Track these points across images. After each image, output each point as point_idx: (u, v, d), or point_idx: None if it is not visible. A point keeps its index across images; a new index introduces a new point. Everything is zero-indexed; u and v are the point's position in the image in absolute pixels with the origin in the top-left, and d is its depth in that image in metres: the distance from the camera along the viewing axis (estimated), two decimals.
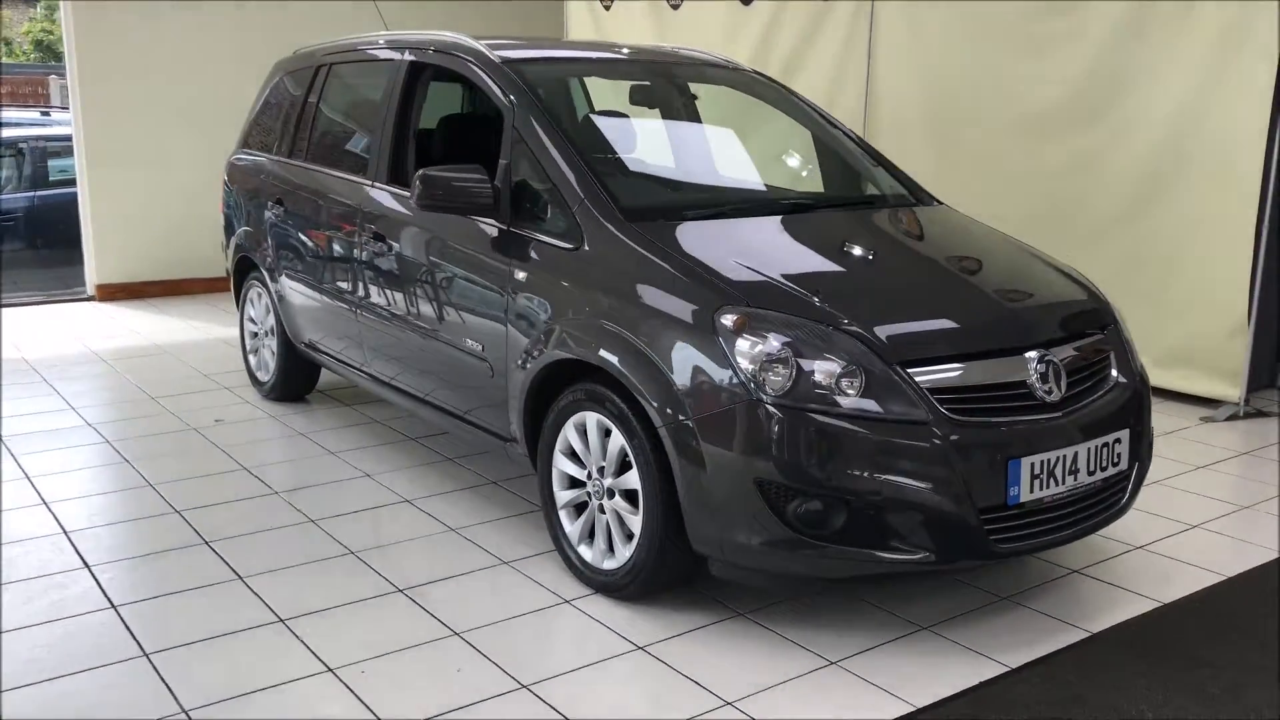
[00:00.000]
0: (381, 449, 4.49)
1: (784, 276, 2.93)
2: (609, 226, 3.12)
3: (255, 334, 5.28)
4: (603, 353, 2.95)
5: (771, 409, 2.63)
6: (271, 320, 5.04)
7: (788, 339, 2.68)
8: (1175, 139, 5.12)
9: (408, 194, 3.84)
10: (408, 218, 3.87)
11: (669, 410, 2.77)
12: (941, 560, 2.66)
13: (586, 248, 3.13)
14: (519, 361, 3.29)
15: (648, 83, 4.19)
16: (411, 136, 4.07)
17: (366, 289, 4.12)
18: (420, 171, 3.38)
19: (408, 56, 4.10)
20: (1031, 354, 2.85)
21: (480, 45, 3.81)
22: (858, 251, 3.35)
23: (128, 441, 4.59)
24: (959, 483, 2.62)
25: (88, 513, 3.78)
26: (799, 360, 2.66)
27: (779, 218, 3.51)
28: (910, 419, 2.62)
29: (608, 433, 3.02)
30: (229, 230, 5.42)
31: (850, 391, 2.63)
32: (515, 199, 3.39)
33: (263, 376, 5.24)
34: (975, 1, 5.82)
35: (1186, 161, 5.09)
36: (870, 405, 2.63)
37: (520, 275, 3.29)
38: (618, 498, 3.00)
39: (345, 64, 4.71)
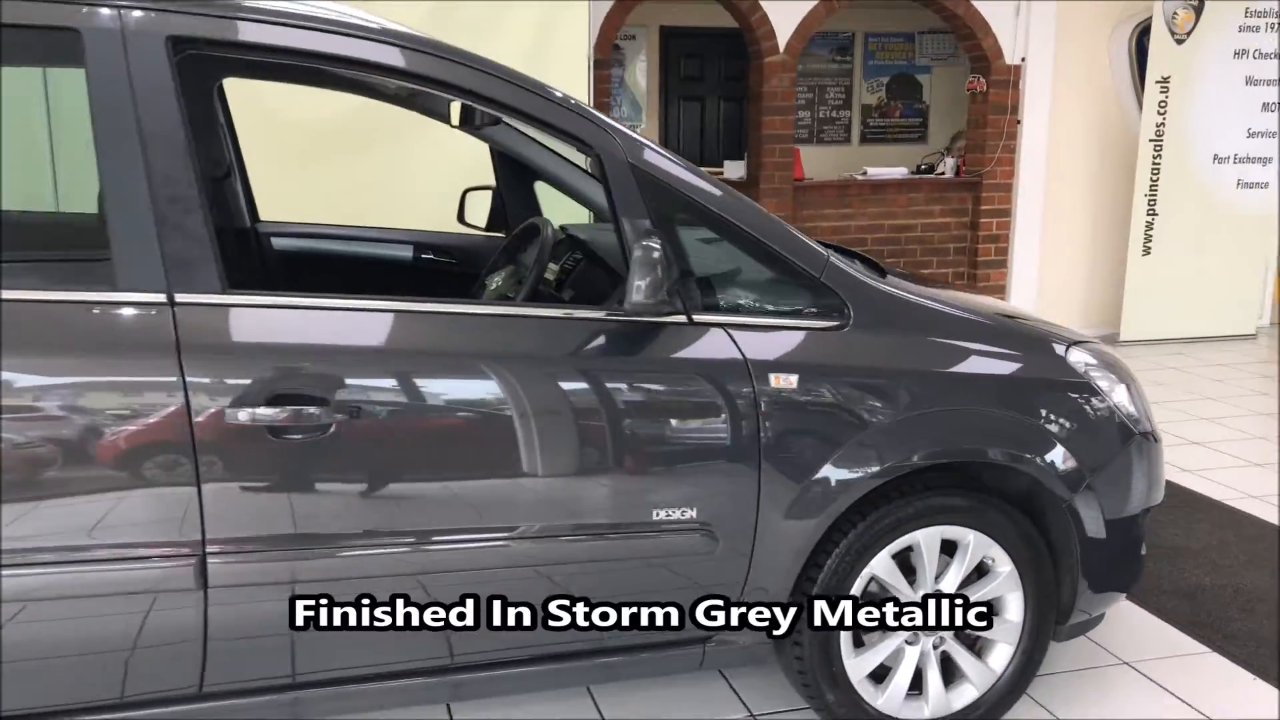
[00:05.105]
0: None
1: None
2: (876, 287, 2.41)
3: None
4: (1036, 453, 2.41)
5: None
6: None
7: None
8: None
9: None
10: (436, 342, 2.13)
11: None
12: None
13: (856, 322, 2.33)
14: (785, 509, 2.25)
15: None
16: None
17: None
18: (646, 248, 2.03)
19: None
20: None
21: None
22: None
23: None
24: None
25: None
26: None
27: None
28: None
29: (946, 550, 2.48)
30: None
31: None
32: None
33: None
34: None
35: None
36: None
37: (775, 383, 2.21)
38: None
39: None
